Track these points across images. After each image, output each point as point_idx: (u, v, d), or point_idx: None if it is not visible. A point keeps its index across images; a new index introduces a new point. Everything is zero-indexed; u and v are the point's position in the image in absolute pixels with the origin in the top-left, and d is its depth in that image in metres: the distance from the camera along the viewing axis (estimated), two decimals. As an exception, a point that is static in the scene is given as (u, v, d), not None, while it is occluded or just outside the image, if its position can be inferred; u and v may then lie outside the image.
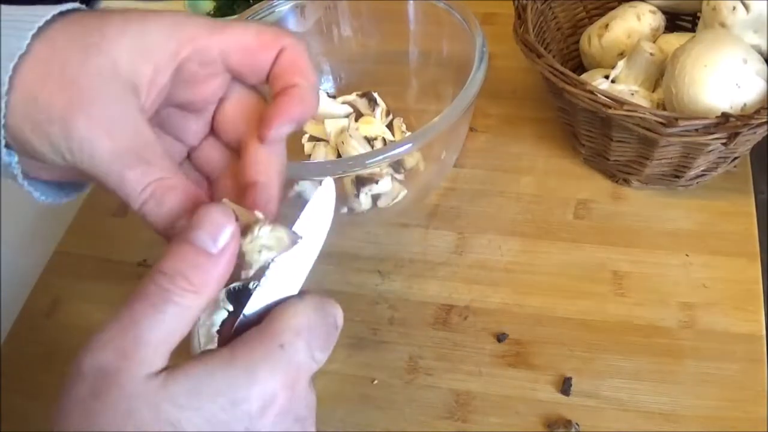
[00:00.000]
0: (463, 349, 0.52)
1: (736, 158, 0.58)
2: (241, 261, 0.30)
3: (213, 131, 0.35)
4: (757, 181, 0.60)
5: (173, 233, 0.30)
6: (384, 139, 0.63)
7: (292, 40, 0.33)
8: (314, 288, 0.56)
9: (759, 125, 0.49)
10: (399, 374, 0.51)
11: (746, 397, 0.47)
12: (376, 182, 0.57)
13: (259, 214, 0.31)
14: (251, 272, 0.30)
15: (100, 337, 0.27)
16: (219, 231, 0.28)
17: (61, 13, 0.30)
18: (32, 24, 0.29)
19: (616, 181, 0.61)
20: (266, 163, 0.34)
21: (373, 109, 0.65)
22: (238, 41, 0.32)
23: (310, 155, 0.64)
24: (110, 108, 0.29)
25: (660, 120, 0.50)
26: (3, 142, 0.29)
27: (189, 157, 0.36)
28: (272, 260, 0.31)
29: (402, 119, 0.65)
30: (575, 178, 0.62)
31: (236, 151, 0.35)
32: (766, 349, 0.50)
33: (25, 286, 0.60)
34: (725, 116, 0.48)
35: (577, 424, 0.47)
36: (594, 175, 0.62)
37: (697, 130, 0.50)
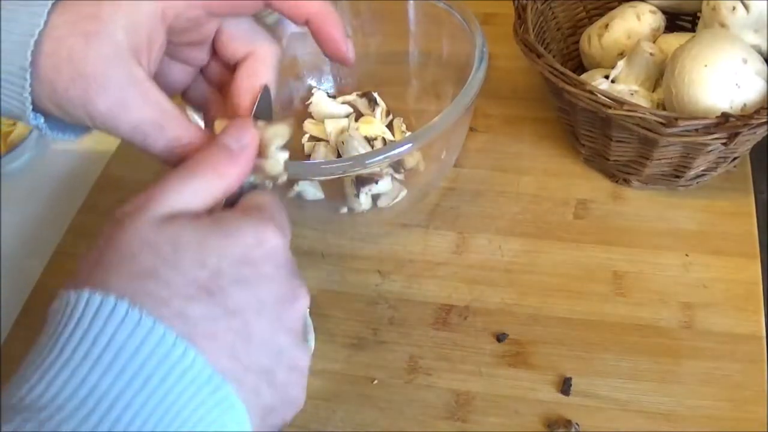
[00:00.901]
0: (463, 349, 0.52)
1: (736, 158, 0.58)
2: (266, 178, 0.37)
3: (216, 53, 0.40)
4: (757, 181, 0.60)
5: None
6: (384, 139, 0.63)
7: None
8: (314, 288, 0.56)
9: (759, 125, 0.49)
10: (399, 374, 0.51)
11: (746, 397, 0.47)
12: (376, 182, 0.57)
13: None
14: (284, 176, 0.37)
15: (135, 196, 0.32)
16: (240, 134, 0.34)
17: None
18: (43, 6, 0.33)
19: (616, 181, 0.61)
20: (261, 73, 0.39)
21: (373, 110, 0.65)
22: None
23: (309, 155, 0.64)
24: (122, 89, 0.34)
25: (660, 120, 0.50)
26: (30, 108, 0.34)
27: (202, 72, 0.41)
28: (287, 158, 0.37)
29: (402, 119, 0.65)
30: (575, 178, 0.62)
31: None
32: (766, 349, 0.50)
33: (25, 286, 0.60)
34: (725, 116, 0.48)
35: (577, 424, 0.47)
36: (594, 175, 0.62)
37: (697, 130, 0.50)
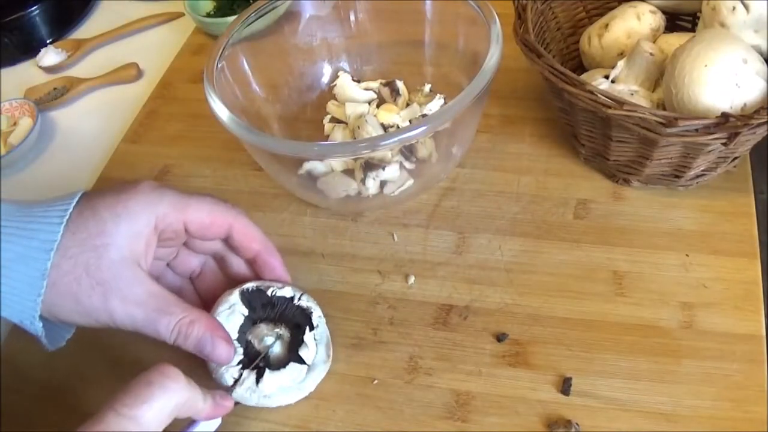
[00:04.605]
0: (463, 349, 0.52)
1: (736, 158, 0.58)
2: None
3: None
4: (757, 181, 0.60)
5: (201, 355, 0.45)
6: (399, 128, 0.63)
7: (237, 216, 0.48)
8: (314, 288, 0.56)
9: (759, 125, 0.49)
10: (399, 374, 0.51)
11: (746, 397, 0.48)
12: (383, 168, 0.58)
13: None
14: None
15: None
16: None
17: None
18: (61, 218, 0.41)
19: (616, 181, 0.61)
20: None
21: (395, 99, 0.65)
22: (195, 217, 0.46)
23: (328, 135, 0.65)
24: (132, 288, 0.42)
25: (660, 120, 0.50)
26: (38, 311, 0.42)
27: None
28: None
29: (444, 96, 0.65)
30: (575, 178, 0.62)
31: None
32: (766, 349, 0.50)
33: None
34: (725, 116, 0.48)
35: (577, 424, 0.47)
36: (594, 175, 0.62)
37: (697, 130, 0.50)
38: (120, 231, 0.42)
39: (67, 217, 0.42)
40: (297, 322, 0.50)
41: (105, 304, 0.42)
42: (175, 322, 0.43)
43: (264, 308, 0.50)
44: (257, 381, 0.47)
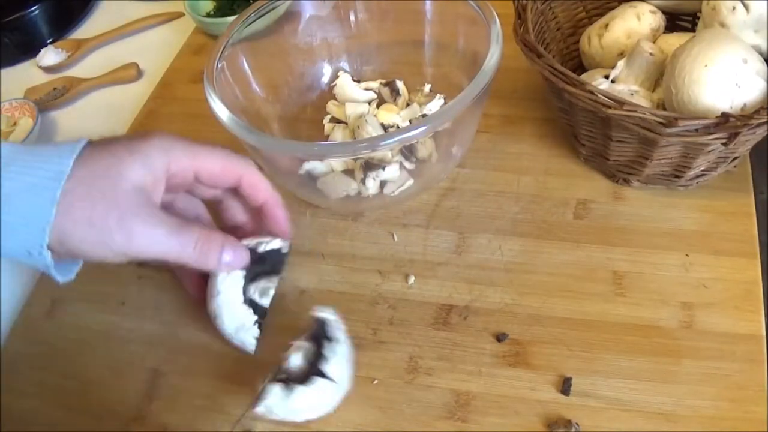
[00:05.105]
0: (463, 349, 0.52)
1: (736, 158, 0.58)
2: None
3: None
4: (757, 181, 0.60)
5: (223, 267, 0.48)
6: (399, 128, 0.63)
7: (248, 167, 0.49)
8: (315, 288, 0.56)
9: (759, 125, 0.49)
10: (399, 374, 0.51)
11: (746, 397, 0.48)
12: (383, 168, 0.58)
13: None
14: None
15: None
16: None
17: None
18: (71, 153, 0.42)
19: (616, 181, 0.61)
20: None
21: (395, 99, 0.65)
22: (207, 166, 0.48)
23: (328, 135, 0.65)
24: (148, 214, 0.43)
25: (660, 120, 0.50)
26: (46, 239, 0.41)
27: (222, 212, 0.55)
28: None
29: (444, 96, 0.66)
30: (575, 178, 0.62)
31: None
32: (766, 349, 0.50)
33: (25, 286, 0.60)
34: (725, 116, 0.48)
35: (577, 424, 0.47)
36: (594, 175, 0.62)
37: (697, 130, 0.50)
38: (134, 166, 0.43)
39: (77, 151, 0.42)
40: (322, 335, 0.49)
41: (122, 225, 0.42)
42: (197, 237, 0.45)
43: (258, 263, 0.51)
44: (287, 395, 0.45)
